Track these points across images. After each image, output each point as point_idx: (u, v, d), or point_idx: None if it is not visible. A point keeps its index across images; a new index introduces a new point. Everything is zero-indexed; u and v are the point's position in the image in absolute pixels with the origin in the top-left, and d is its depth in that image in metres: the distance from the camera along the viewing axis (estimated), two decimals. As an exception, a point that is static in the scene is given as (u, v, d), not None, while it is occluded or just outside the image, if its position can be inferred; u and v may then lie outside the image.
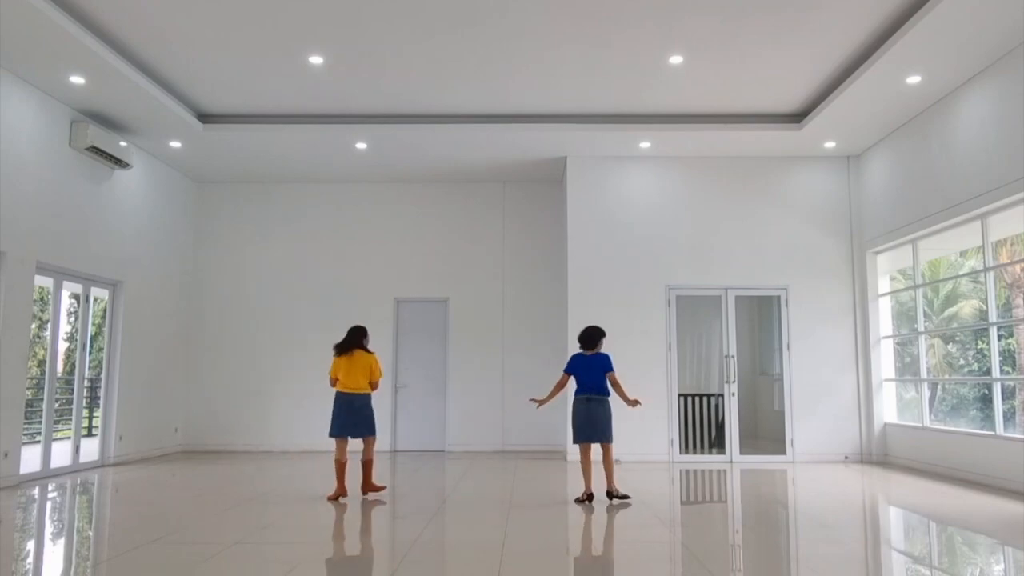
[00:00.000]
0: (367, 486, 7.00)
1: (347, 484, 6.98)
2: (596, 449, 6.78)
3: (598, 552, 4.77)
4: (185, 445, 11.18)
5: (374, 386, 7.05)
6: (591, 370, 6.77)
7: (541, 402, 7.17)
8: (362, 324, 7.47)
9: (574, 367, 6.87)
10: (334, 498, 6.74)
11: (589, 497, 6.57)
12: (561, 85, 8.46)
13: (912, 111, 8.74)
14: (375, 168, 10.97)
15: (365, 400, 6.99)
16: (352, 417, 6.91)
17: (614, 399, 6.79)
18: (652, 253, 10.25)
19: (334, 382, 7.06)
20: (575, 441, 6.78)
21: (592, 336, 6.91)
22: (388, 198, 11.67)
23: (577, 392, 6.82)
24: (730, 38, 7.35)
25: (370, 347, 7.21)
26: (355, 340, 7.11)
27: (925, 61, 7.41)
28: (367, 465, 7.05)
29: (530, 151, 10.20)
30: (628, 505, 6.43)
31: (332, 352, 7.19)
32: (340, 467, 6.90)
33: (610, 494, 6.58)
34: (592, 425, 6.65)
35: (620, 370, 9.90)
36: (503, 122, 9.34)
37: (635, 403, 6.75)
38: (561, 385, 7.00)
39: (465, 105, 9.06)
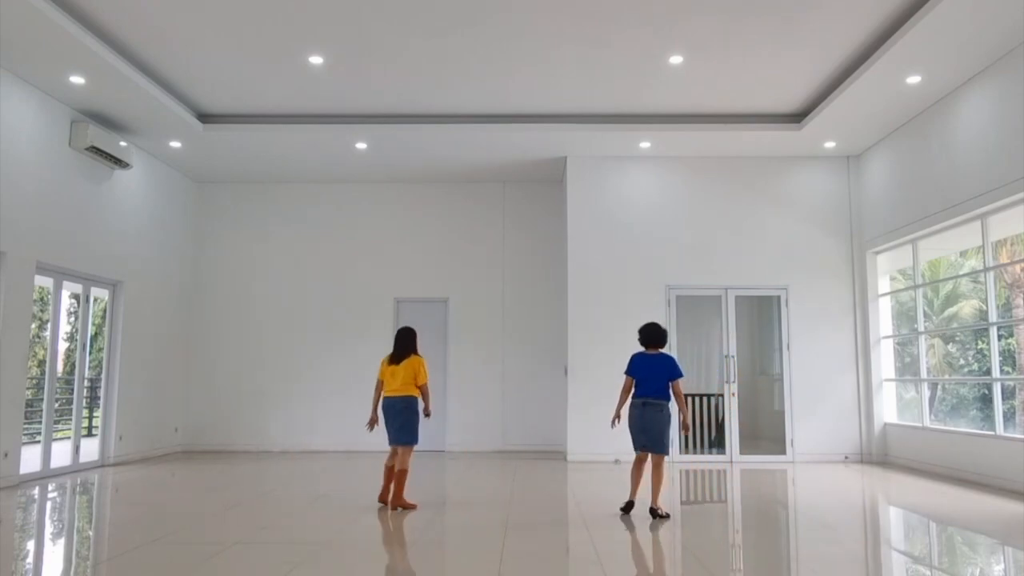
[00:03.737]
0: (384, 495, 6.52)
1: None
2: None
3: (598, 552, 4.77)
4: (185, 445, 11.18)
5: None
6: (653, 371, 6.11)
7: (616, 418, 6.38)
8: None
9: (635, 368, 6.20)
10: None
11: (629, 506, 6.09)
12: (561, 85, 8.46)
13: (912, 111, 8.74)
14: (375, 168, 10.97)
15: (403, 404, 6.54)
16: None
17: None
18: (652, 253, 10.25)
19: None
20: (634, 449, 6.19)
21: (657, 334, 6.26)
22: (388, 198, 11.67)
23: (635, 395, 6.16)
24: (730, 38, 7.34)
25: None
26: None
27: (925, 61, 7.41)
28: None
29: (530, 151, 10.19)
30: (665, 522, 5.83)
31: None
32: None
33: (653, 512, 5.93)
34: (646, 432, 6.04)
35: (620, 371, 9.96)
36: (503, 122, 9.34)
37: (687, 427, 6.09)
38: (627, 390, 6.25)
39: (465, 105, 9.06)
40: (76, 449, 8.92)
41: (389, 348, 11.20)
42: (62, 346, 8.99)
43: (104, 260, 9.24)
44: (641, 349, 6.37)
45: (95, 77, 7.75)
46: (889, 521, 6.20)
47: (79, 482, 8.01)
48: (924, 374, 9.18)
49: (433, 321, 11.47)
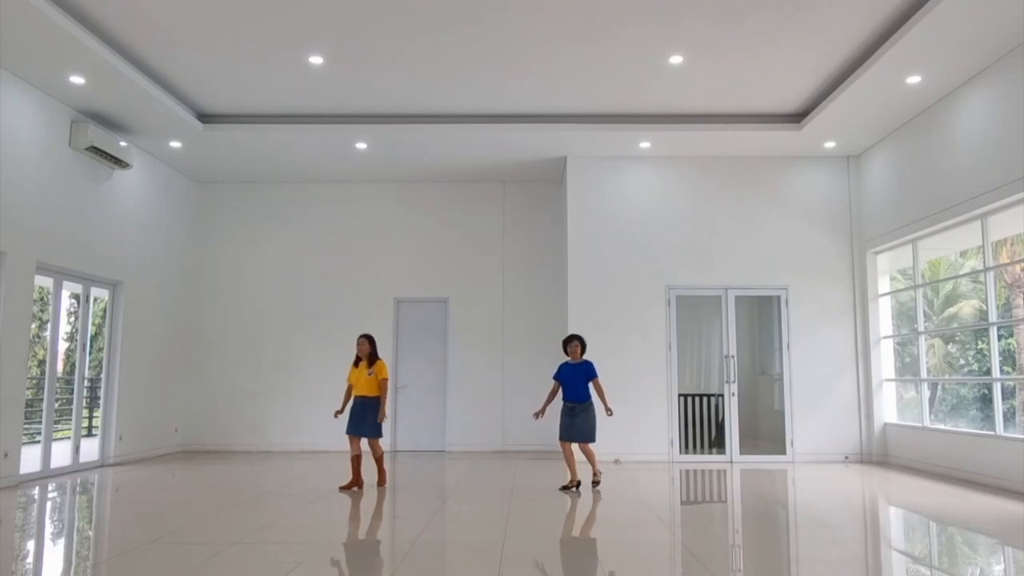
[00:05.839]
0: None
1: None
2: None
3: (598, 552, 4.77)
4: (185, 445, 11.18)
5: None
6: (576, 378, 7.36)
7: (540, 413, 7.58)
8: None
9: (562, 375, 7.45)
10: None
11: (577, 484, 7.31)
12: (561, 85, 8.46)
13: (912, 111, 8.74)
14: (375, 168, 10.97)
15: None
16: None
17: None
18: (652, 253, 10.25)
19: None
20: (560, 439, 7.46)
21: (582, 345, 7.48)
22: (388, 198, 11.67)
23: (564, 399, 7.44)
24: (730, 38, 7.35)
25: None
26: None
27: (925, 61, 7.41)
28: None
29: (530, 151, 10.20)
30: (600, 496, 6.97)
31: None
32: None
33: (597, 481, 7.43)
34: (576, 429, 7.32)
35: (620, 370, 10.01)
36: (503, 122, 9.34)
37: (610, 412, 7.40)
38: (554, 393, 7.52)
39: (465, 105, 9.06)
40: (76, 449, 8.92)
41: (389, 348, 11.23)
42: (62, 346, 8.99)
43: (104, 260, 9.23)
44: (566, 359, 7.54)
45: (95, 77, 7.75)
46: (889, 521, 6.20)
47: (79, 482, 8.01)
48: (924, 374, 9.18)
49: (433, 321, 11.47)
